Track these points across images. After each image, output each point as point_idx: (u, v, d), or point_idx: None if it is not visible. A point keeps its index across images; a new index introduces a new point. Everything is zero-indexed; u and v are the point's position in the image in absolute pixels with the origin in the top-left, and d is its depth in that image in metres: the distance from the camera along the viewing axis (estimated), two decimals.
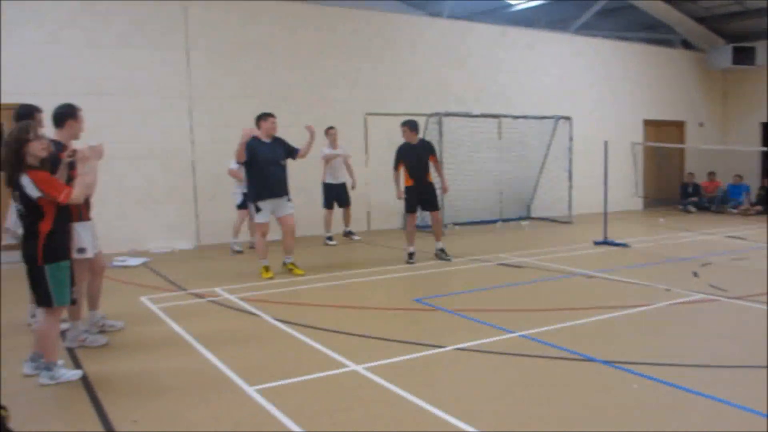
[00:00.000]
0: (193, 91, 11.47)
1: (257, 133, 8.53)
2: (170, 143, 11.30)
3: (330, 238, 11.63)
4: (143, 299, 7.47)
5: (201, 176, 11.56)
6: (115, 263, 9.59)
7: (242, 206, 10.36)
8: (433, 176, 9.87)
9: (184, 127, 11.43)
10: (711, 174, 18.23)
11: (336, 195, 11.65)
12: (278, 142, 8.76)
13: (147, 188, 11.11)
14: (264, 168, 8.47)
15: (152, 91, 11.10)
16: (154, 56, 11.09)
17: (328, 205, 11.61)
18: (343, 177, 11.73)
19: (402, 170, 9.70)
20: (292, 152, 8.84)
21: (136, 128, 10.98)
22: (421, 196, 9.70)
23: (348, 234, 12.15)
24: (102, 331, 6.08)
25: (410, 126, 9.61)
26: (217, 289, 7.88)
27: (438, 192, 10.01)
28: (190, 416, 4.22)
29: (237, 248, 10.71)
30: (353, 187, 11.81)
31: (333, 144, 11.53)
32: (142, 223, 11.07)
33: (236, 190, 10.51)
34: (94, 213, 5.95)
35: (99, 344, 5.76)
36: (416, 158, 9.62)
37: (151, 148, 11.12)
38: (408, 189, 9.68)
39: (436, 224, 10.01)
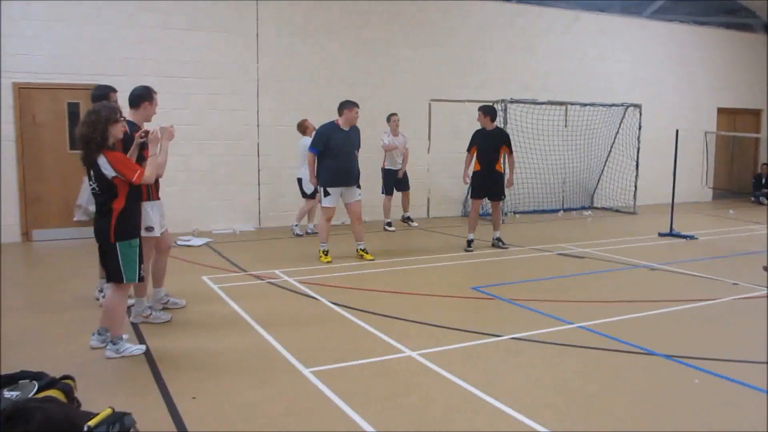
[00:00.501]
0: (260, 75, 11.61)
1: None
2: (236, 126, 11.50)
3: (389, 224, 11.65)
4: (205, 279, 7.65)
5: (265, 159, 11.73)
6: (180, 242, 9.86)
7: (313, 195, 10.54)
8: (503, 167, 9.80)
9: (251, 110, 11.60)
10: None
11: (395, 181, 11.65)
12: (355, 131, 8.81)
13: (212, 170, 11.34)
14: (338, 155, 8.54)
15: (220, 74, 11.29)
16: (223, 39, 11.26)
17: (387, 191, 11.62)
18: (401, 163, 11.72)
19: (473, 154, 9.66)
20: (358, 142, 8.93)
21: (204, 110, 11.20)
22: (487, 183, 9.63)
23: (406, 219, 12.15)
24: (165, 308, 6.26)
25: (485, 111, 9.58)
26: (277, 271, 8.01)
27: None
28: (247, 395, 4.31)
29: (298, 232, 10.85)
30: (399, 175, 11.72)
31: (394, 131, 11.51)
32: (206, 204, 11.32)
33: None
34: (161, 193, 6.11)
35: (162, 321, 5.94)
36: (489, 144, 9.55)
37: (218, 130, 11.34)
38: (475, 174, 9.64)
39: (495, 213, 9.93)
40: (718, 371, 4.73)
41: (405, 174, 11.73)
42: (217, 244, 10.02)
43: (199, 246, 9.90)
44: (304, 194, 10.70)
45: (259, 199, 11.79)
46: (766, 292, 7.12)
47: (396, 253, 9.43)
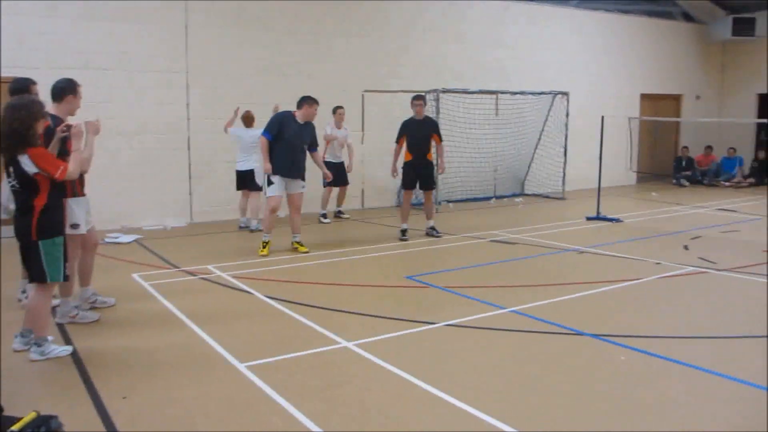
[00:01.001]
0: (190, 67, 11.35)
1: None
2: (165, 119, 11.21)
3: (324, 216, 11.62)
4: (135, 276, 7.47)
5: (196, 153, 11.50)
6: (108, 240, 9.59)
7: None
8: (433, 155, 9.88)
9: (181, 102, 11.34)
10: (708, 148, 18.21)
11: (335, 173, 11.57)
12: (308, 127, 8.79)
13: (141, 164, 11.05)
14: (287, 146, 8.53)
15: (148, 66, 10.98)
16: (151, 30, 10.95)
17: (334, 182, 11.56)
18: (342, 156, 11.67)
19: (403, 145, 9.68)
20: (312, 144, 8.89)
21: (131, 103, 10.88)
22: (419, 172, 9.68)
23: (338, 214, 12.09)
24: (93, 308, 6.09)
25: (425, 101, 9.68)
26: (210, 267, 7.89)
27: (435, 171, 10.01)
28: (181, 393, 4.25)
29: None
30: (349, 171, 11.74)
31: (338, 124, 11.47)
32: (135, 200, 11.02)
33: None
34: (87, 189, 5.93)
35: (90, 320, 5.77)
36: (421, 134, 9.61)
37: (146, 123, 11.04)
38: (406, 164, 9.67)
39: (428, 203, 10.00)
40: (643, 347, 4.91)
41: (344, 169, 11.69)
42: (148, 241, 9.79)
43: (129, 243, 9.65)
44: (256, 187, 10.51)
45: (190, 193, 11.56)
46: (689, 270, 7.43)
47: (331, 244, 9.42)
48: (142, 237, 10.06)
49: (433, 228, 9.95)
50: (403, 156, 9.75)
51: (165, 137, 11.23)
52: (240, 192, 10.72)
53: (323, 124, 11.41)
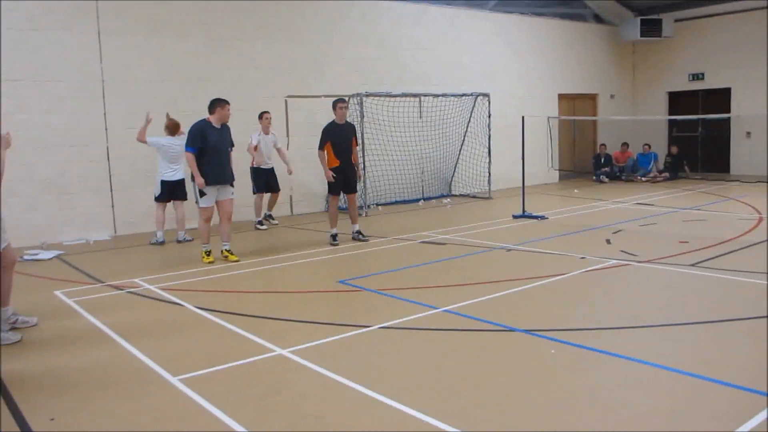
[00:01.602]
0: (106, 76, 11.03)
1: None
2: (82, 130, 10.86)
3: (260, 223, 11.49)
4: (58, 293, 7.20)
5: (116, 164, 11.18)
6: (27, 257, 9.20)
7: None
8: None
9: (98, 113, 11.00)
10: (624, 145, 18.90)
11: (266, 179, 11.47)
12: (226, 129, 8.70)
13: (59, 177, 10.67)
14: (213, 154, 8.41)
15: (61, 75, 10.61)
16: (63, 38, 10.59)
17: (259, 189, 11.42)
18: (272, 162, 11.56)
19: (327, 151, 9.59)
20: (229, 142, 8.81)
21: (46, 115, 10.49)
22: (347, 177, 9.65)
23: (268, 217, 12.00)
24: (14, 328, 5.83)
25: (346, 102, 9.64)
26: (137, 280, 7.68)
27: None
28: (112, 410, 4.12)
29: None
30: (290, 172, 11.64)
31: (266, 129, 11.35)
32: (54, 215, 10.63)
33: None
34: (2, 205, 5.68)
35: (11, 342, 5.53)
36: (344, 137, 9.58)
37: (62, 135, 10.66)
38: (334, 170, 9.58)
39: (353, 207, 9.91)
40: (573, 340, 5.06)
41: (275, 174, 11.57)
42: (70, 256, 9.46)
43: (49, 259, 9.29)
44: (184, 197, 10.28)
45: (112, 206, 11.23)
46: (612, 263, 7.70)
47: (261, 252, 9.32)
48: (64, 252, 9.71)
49: (359, 232, 9.91)
50: (329, 161, 9.65)
51: (83, 149, 10.89)
52: (158, 204, 10.27)
53: (249, 131, 11.30)
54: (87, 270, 8.43)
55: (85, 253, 9.69)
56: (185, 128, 9.17)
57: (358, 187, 10.06)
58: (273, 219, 12.05)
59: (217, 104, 8.55)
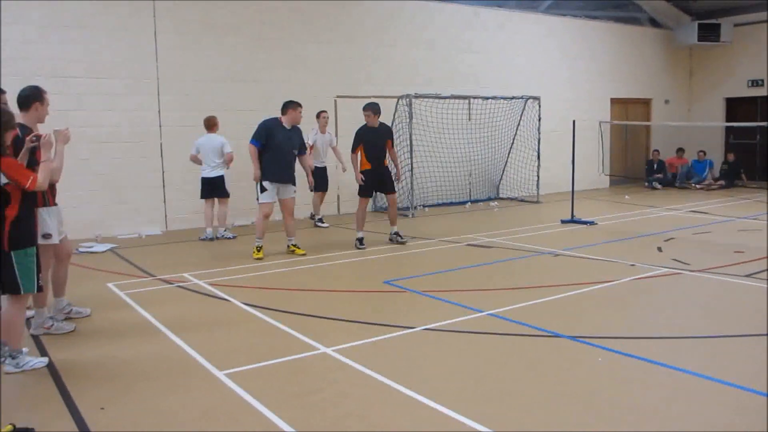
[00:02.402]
0: (160, 74, 11.28)
1: None
2: (137, 127, 11.13)
3: (321, 220, 11.58)
4: (110, 285, 7.39)
5: (169, 160, 11.42)
6: (82, 249, 9.47)
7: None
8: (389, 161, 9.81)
9: (152, 110, 11.26)
10: (680, 150, 18.47)
11: (318, 178, 11.52)
12: (296, 131, 8.85)
13: (113, 173, 10.94)
14: (278, 152, 8.59)
15: (118, 73, 10.88)
16: (120, 37, 10.86)
17: (316, 188, 11.49)
18: (326, 161, 11.65)
19: (360, 153, 9.56)
20: (301, 148, 8.99)
21: (102, 112, 10.78)
22: (379, 179, 9.61)
23: (313, 217, 12.02)
24: (68, 318, 6.01)
25: (374, 110, 9.46)
26: (186, 275, 7.83)
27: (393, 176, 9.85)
28: (159, 402, 4.21)
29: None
30: (344, 170, 11.67)
31: (322, 129, 11.46)
32: (108, 209, 10.91)
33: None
34: (59, 198, 5.86)
35: (65, 331, 5.70)
36: (377, 141, 9.51)
37: (118, 131, 10.94)
38: (365, 173, 9.51)
39: (392, 208, 9.78)
40: (620, 349, 4.97)
41: (326, 174, 11.65)
42: (122, 250, 9.69)
43: (103, 252, 9.54)
44: (225, 194, 10.45)
45: (164, 201, 11.47)
46: (663, 271, 7.54)
47: (308, 250, 9.37)
48: (117, 246, 9.96)
49: (397, 234, 9.79)
50: (362, 164, 9.59)
51: (137, 145, 11.14)
52: (205, 201, 10.45)
53: (307, 130, 11.37)
54: (138, 263, 8.63)
55: (137, 247, 9.92)
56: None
57: (401, 188, 9.97)
58: (322, 222, 12.02)
59: (289, 106, 8.75)
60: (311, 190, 11.09)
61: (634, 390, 4.27)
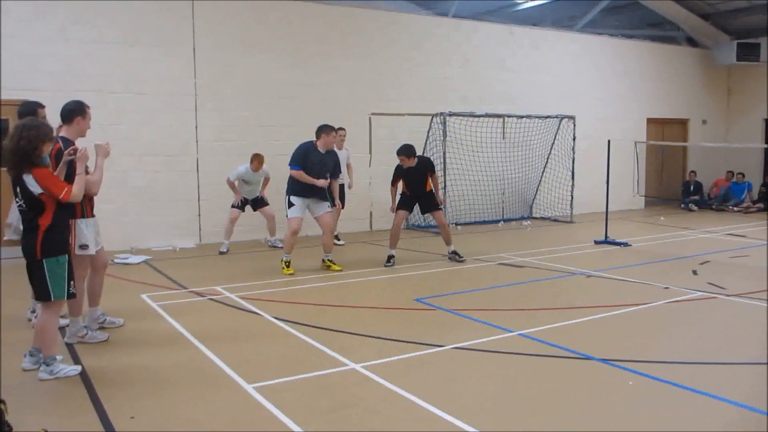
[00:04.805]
0: (198, 90, 11.48)
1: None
2: (174, 141, 11.32)
3: (337, 238, 11.60)
4: (144, 297, 7.50)
5: (204, 175, 11.58)
6: (117, 260, 9.63)
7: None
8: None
9: (189, 125, 11.45)
10: (729, 172, 18.11)
11: (340, 194, 11.56)
12: (331, 155, 8.99)
13: (149, 186, 11.14)
14: (309, 173, 8.70)
15: (157, 88, 11.11)
16: (160, 54, 11.10)
17: (332, 204, 11.53)
18: (342, 178, 11.68)
19: (398, 186, 9.68)
20: (335, 172, 9.15)
21: (140, 126, 11.00)
22: (417, 201, 9.68)
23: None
24: (102, 328, 6.11)
25: (407, 153, 9.34)
26: (218, 288, 7.91)
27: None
28: (188, 413, 4.25)
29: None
30: (350, 187, 11.73)
31: (339, 145, 11.50)
32: (144, 221, 11.09)
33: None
34: (97, 210, 5.98)
35: (99, 340, 5.79)
36: (416, 177, 9.51)
37: (155, 146, 11.14)
38: (404, 194, 9.66)
39: (443, 228, 9.72)
40: (652, 373, 4.88)
41: (343, 191, 11.67)
42: (156, 262, 9.83)
43: (138, 264, 9.69)
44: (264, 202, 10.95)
45: (199, 215, 11.62)
46: (698, 294, 7.40)
47: (340, 266, 9.41)
48: (151, 258, 10.10)
49: (455, 252, 9.74)
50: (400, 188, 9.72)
51: (174, 159, 11.33)
52: (231, 209, 10.77)
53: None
54: (172, 276, 8.74)
55: (171, 260, 10.05)
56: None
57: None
58: (338, 239, 11.99)
59: (322, 131, 8.88)
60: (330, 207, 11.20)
61: (665, 415, 4.19)
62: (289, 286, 8.15)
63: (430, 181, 9.65)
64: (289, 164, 8.85)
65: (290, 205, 8.81)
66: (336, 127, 11.36)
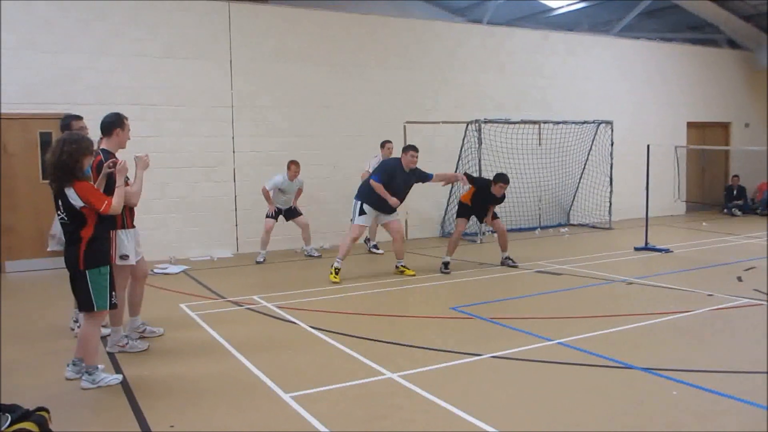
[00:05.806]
0: (235, 101, 11.62)
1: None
2: (212, 152, 11.47)
3: (376, 246, 11.59)
4: (183, 306, 7.58)
5: (241, 185, 11.70)
6: (157, 270, 9.77)
7: None
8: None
9: (227, 136, 11.59)
10: None
11: None
12: (413, 174, 9.18)
13: (188, 197, 11.29)
14: (390, 191, 8.88)
15: (194, 100, 11.28)
16: (197, 66, 11.28)
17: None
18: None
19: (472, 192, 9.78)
20: (424, 177, 9.30)
21: (179, 138, 11.17)
22: (475, 212, 9.83)
23: (367, 242, 11.96)
24: (142, 337, 6.19)
25: (504, 181, 9.63)
26: (255, 297, 7.96)
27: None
28: (226, 422, 4.27)
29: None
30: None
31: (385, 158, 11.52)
32: (183, 231, 11.25)
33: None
34: (137, 221, 6.07)
35: (139, 350, 5.87)
36: (486, 204, 9.76)
37: (193, 157, 11.31)
38: (462, 203, 9.86)
39: (501, 234, 9.95)
40: (696, 382, 4.77)
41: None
42: (195, 272, 9.95)
43: (177, 273, 9.81)
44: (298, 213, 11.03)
45: (236, 225, 11.74)
46: (743, 302, 7.22)
47: (375, 275, 9.41)
48: (190, 268, 10.23)
49: (508, 258, 9.91)
50: (466, 192, 9.86)
51: (212, 169, 11.47)
52: (266, 220, 10.77)
53: (367, 156, 11.39)
54: (210, 285, 8.83)
55: (209, 269, 10.16)
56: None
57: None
58: (377, 249, 11.95)
59: (403, 151, 9.14)
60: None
61: (711, 425, 4.08)
62: (324, 295, 8.17)
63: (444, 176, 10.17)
64: (372, 176, 9.06)
65: (361, 212, 8.98)
66: (385, 140, 11.42)
